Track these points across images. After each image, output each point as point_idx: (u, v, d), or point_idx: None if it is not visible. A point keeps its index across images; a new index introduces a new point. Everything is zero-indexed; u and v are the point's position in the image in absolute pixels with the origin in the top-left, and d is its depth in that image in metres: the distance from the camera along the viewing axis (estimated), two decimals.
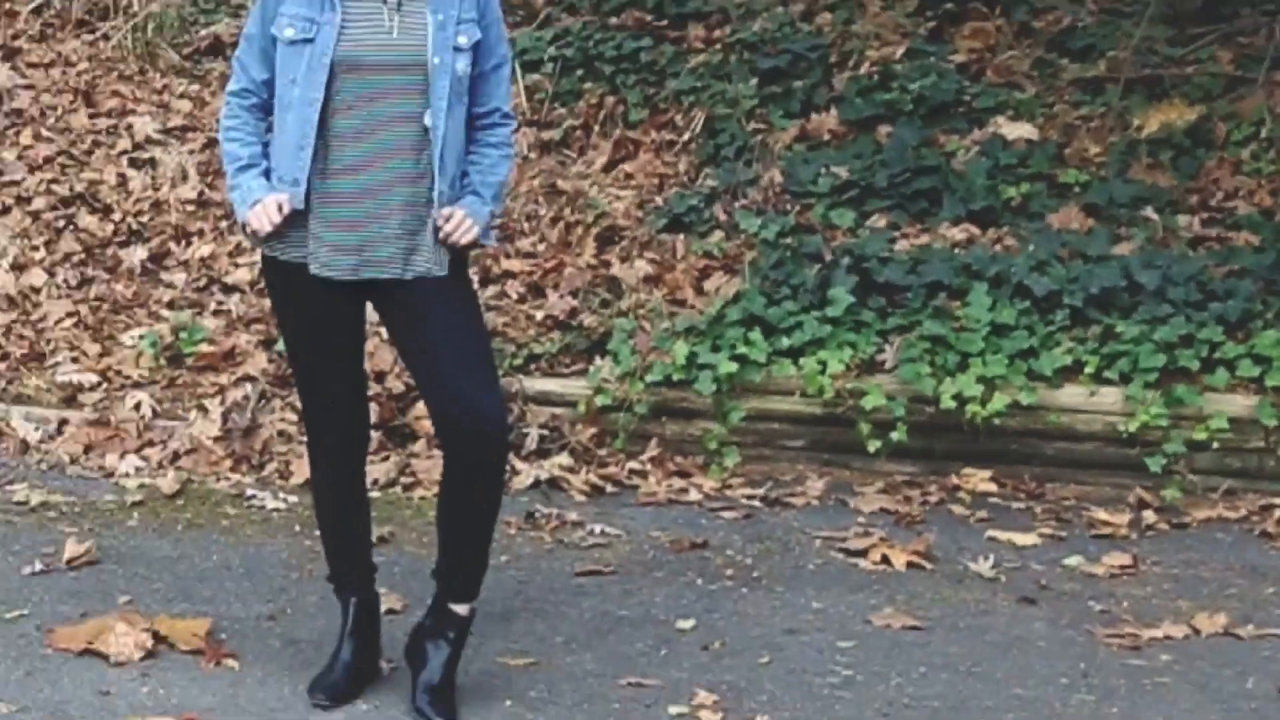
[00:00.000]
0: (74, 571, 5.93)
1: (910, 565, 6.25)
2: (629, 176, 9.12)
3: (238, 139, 4.73)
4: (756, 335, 7.34)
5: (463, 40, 4.62)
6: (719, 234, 8.28)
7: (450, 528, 4.81)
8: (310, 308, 4.74)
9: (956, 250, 7.91)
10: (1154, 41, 9.37)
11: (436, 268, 4.65)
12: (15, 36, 10.73)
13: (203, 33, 11.16)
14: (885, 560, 6.29)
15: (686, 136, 9.31)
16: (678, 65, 9.66)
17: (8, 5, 11.17)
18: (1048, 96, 9.17)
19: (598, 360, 7.50)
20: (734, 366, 7.22)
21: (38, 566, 5.92)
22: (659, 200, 8.76)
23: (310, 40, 4.53)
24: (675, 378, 7.27)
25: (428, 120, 4.57)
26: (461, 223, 4.60)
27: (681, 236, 8.33)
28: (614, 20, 10.02)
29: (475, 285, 5.20)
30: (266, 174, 4.66)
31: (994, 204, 8.30)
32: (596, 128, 9.56)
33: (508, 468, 5.69)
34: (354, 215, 4.59)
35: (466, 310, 4.79)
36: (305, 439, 5.13)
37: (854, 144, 8.82)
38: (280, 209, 4.53)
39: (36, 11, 11.15)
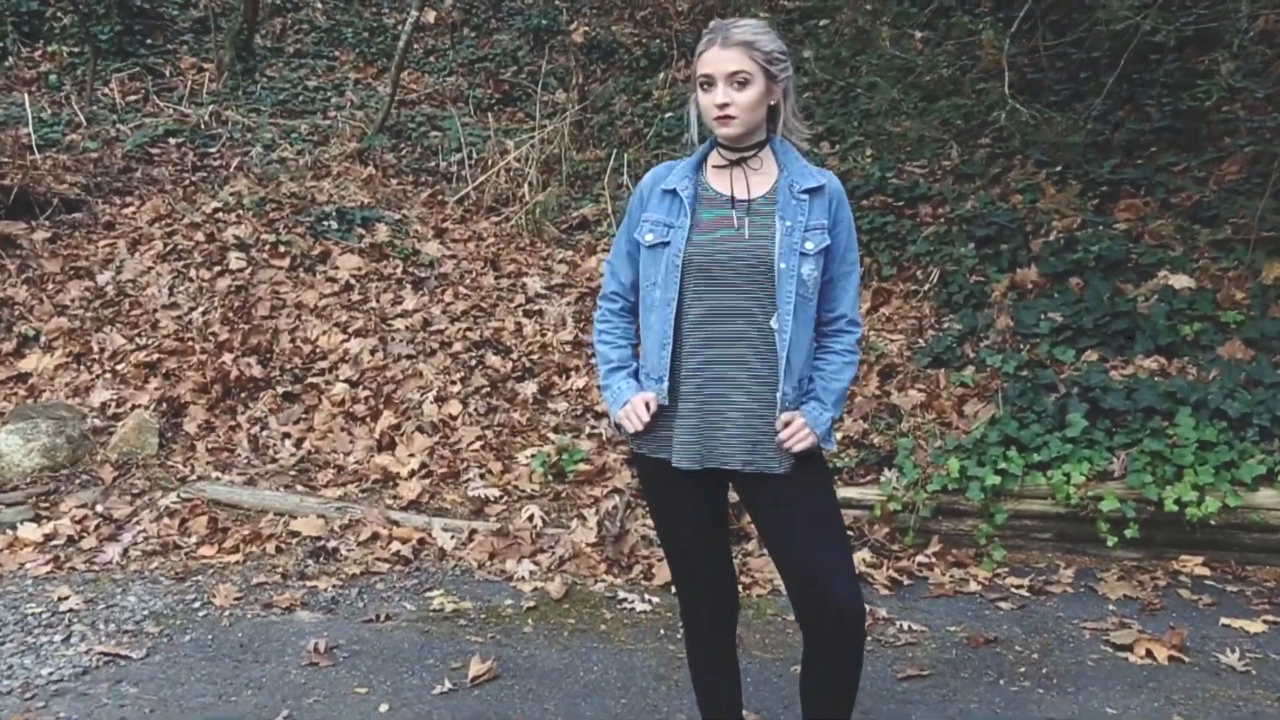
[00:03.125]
0: (477, 690, 4.29)
1: (1171, 659, 4.63)
2: (888, 319, 7.37)
3: (609, 342, 3.42)
4: (1013, 453, 5.76)
5: (810, 246, 3.16)
6: (970, 368, 6.52)
7: (811, 699, 3.29)
8: (675, 497, 3.31)
9: (1157, 378, 6.23)
10: (1269, 210, 7.62)
11: (778, 465, 3.16)
12: (444, 220, 9.33)
13: (574, 213, 9.88)
14: (1150, 654, 4.68)
15: (926, 287, 7.65)
16: (914, 234, 8.08)
17: (439, 198, 9.86)
18: (1192, 254, 7.53)
19: (886, 472, 5.88)
20: (997, 479, 5.64)
21: (447, 685, 4.29)
22: (921, 341, 7.01)
23: (667, 244, 3.21)
24: (950, 487, 5.68)
25: (774, 323, 3.15)
26: (798, 430, 3.12)
27: (942, 370, 6.61)
28: (865, 202, 8.38)
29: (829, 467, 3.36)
30: (636, 374, 3.34)
31: (1175, 340, 6.63)
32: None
33: None
34: (703, 410, 3.19)
35: (819, 497, 3.21)
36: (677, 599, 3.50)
37: (1061, 294, 7.07)
38: (648, 407, 3.22)
39: (459, 201, 9.83)
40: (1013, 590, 5.29)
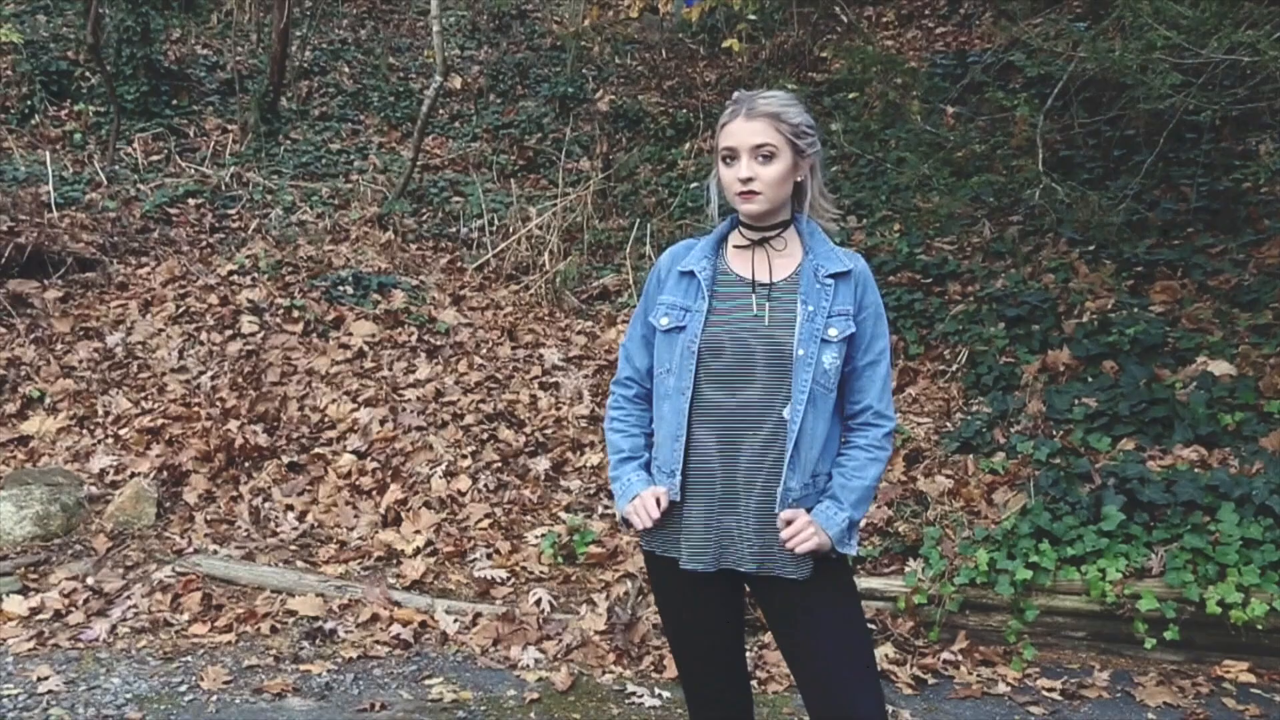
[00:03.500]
0: None
1: None
2: (915, 400, 7.11)
3: (620, 430, 3.16)
4: (1046, 546, 5.47)
5: (833, 333, 2.90)
6: (1000, 454, 6.22)
7: None
8: (685, 599, 3.04)
9: (1197, 470, 5.90)
10: None
11: (792, 570, 2.89)
12: (462, 287, 9.14)
13: (595, 283, 9.72)
14: None
15: (954, 367, 7.38)
16: (943, 313, 7.80)
17: (459, 265, 9.67)
18: (1232, 339, 7.19)
19: (911, 562, 5.58)
20: (1028, 574, 5.35)
21: None
22: (949, 425, 6.72)
23: (682, 329, 2.98)
24: (978, 580, 5.40)
25: (786, 413, 2.87)
26: (801, 530, 2.83)
27: (971, 456, 6.29)
28: (892, 279, 8.10)
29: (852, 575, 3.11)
30: (648, 465, 3.08)
31: (1215, 430, 6.29)
32: None
33: None
34: (716, 508, 2.92)
35: (840, 609, 2.93)
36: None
37: (1095, 379, 6.78)
38: (658, 503, 2.95)
39: (479, 269, 9.64)
40: (1044, 693, 4.98)
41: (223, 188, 10.38)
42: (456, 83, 13.59)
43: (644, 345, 3.10)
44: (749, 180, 2.89)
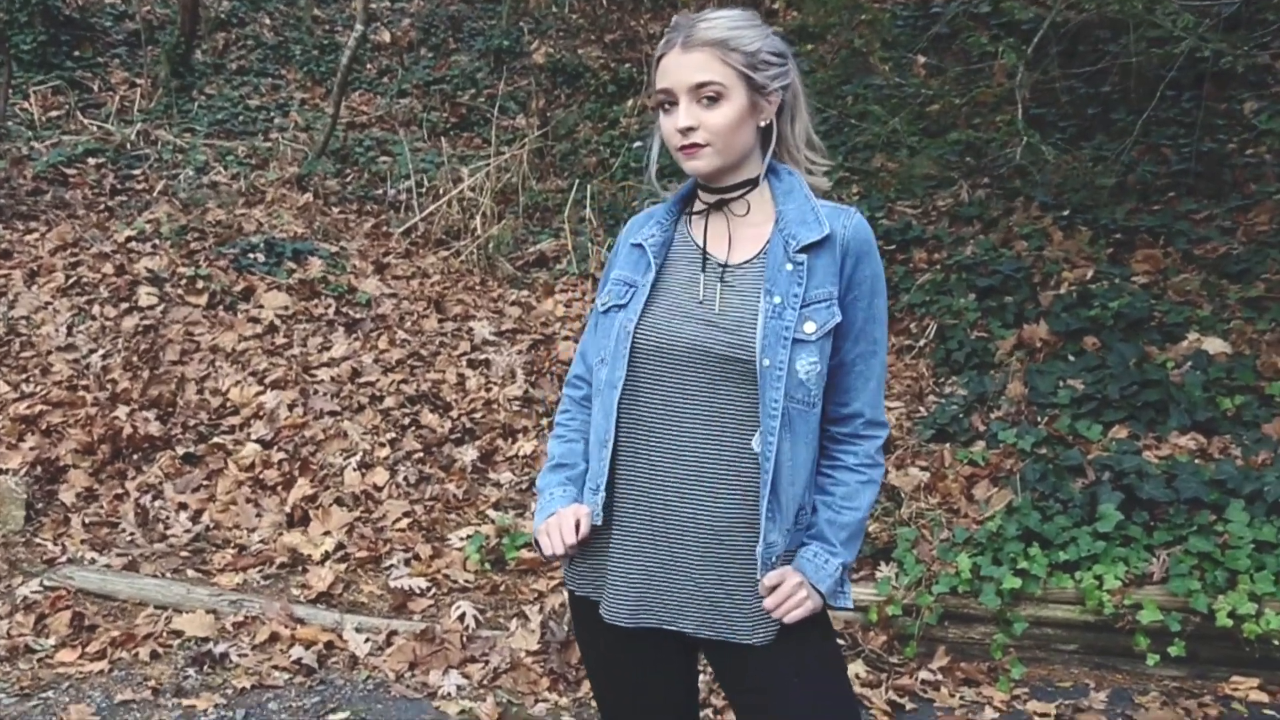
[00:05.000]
0: None
1: None
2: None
3: (560, 435, 2.48)
4: (1035, 550, 4.81)
5: (809, 329, 2.16)
6: (980, 443, 5.59)
7: None
8: (613, 654, 2.35)
9: (1198, 462, 5.28)
10: None
11: (751, 635, 2.20)
12: (386, 254, 8.38)
13: (531, 249, 8.97)
14: None
15: (922, 342, 6.75)
16: (908, 282, 7.22)
17: (385, 229, 8.91)
18: (1222, 314, 6.63)
19: (883, 567, 4.92)
20: (1017, 582, 4.69)
21: None
22: (921, 409, 6.09)
23: (622, 306, 2.30)
24: (960, 589, 4.74)
25: (754, 444, 2.16)
26: (791, 595, 2.15)
27: (947, 446, 5.64)
28: None
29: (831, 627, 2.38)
30: (582, 479, 2.35)
31: (1214, 414, 5.68)
32: None
33: None
34: (647, 547, 2.23)
35: (820, 677, 2.24)
36: None
37: (1078, 358, 6.18)
38: (577, 527, 2.25)
39: (406, 233, 8.88)
40: (1035, 716, 4.36)
41: (128, 146, 9.53)
42: (386, 36, 12.77)
43: (597, 335, 2.43)
44: (690, 130, 2.20)
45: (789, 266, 2.18)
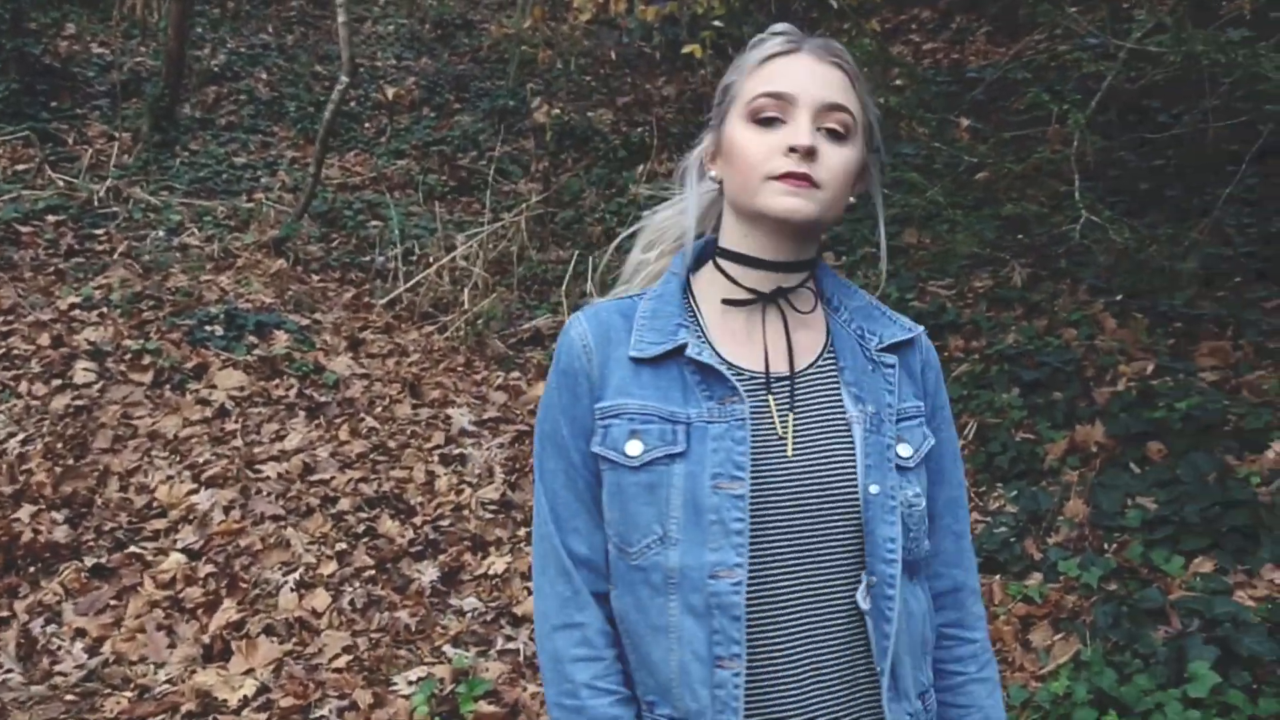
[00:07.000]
0: None
1: None
2: None
3: (608, 690, 1.65)
4: (1111, 718, 3.76)
5: (905, 452, 1.60)
6: (1036, 575, 4.62)
7: None
8: None
9: None
10: None
11: None
12: (364, 328, 7.47)
13: (526, 325, 8.04)
14: None
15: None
16: (944, 374, 6.13)
17: (366, 299, 8.04)
18: None
19: None
20: None
21: None
22: None
23: (682, 456, 1.58)
24: None
25: (861, 600, 1.53)
26: None
27: (997, 578, 4.66)
28: None
29: None
30: None
31: None
32: None
33: None
34: None
35: None
36: None
37: (1148, 471, 5.23)
38: None
39: (389, 305, 8.01)
40: None
41: (95, 203, 8.68)
42: (388, 93, 11.99)
43: (587, 503, 1.62)
44: (811, 153, 1.53)
45: (870, 368, 1.63)
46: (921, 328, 1.72)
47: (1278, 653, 3.95)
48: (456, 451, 5.90)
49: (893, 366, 1.62)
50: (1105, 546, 4.72)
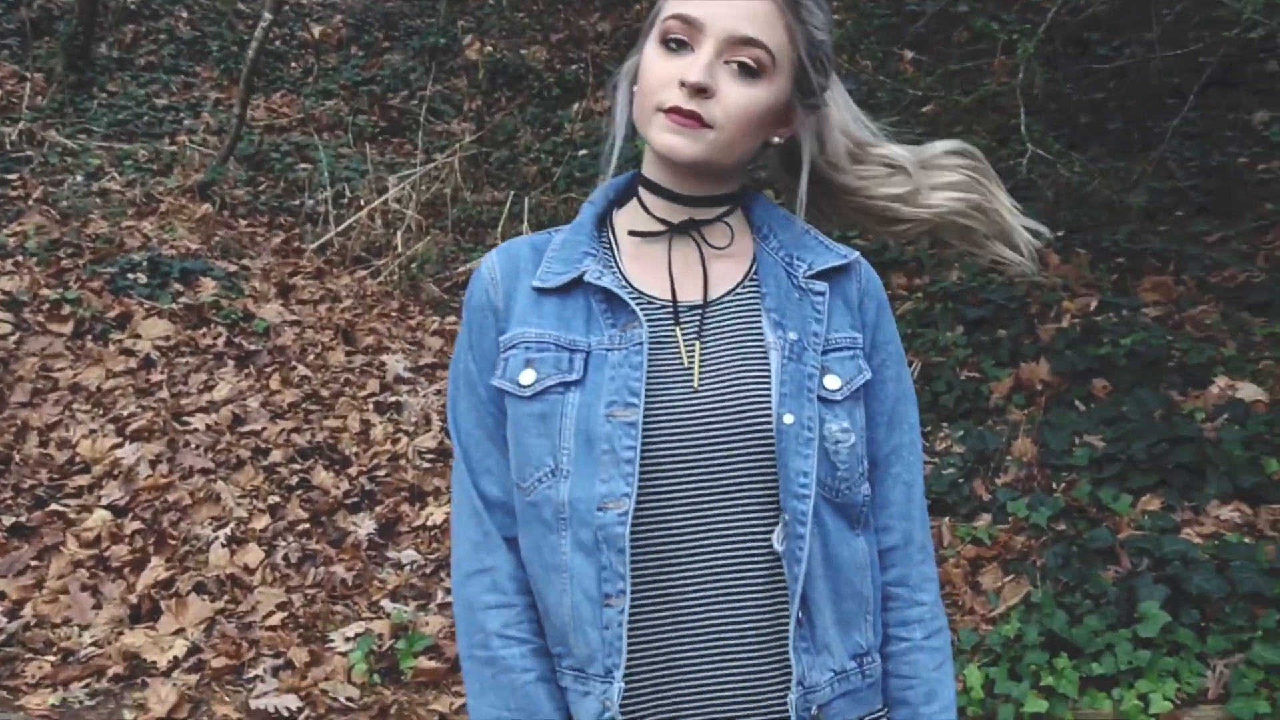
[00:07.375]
0: None
1: None
2: None
3: (518, 637, 1.53)
4: (1063, 661, 3.80)
5: (832, 384, 1.44)
6: (985, 516, 4.55)
7: None
8: None
9: (1248, 541, 4.20)
10: None
11: None
12: (294, 274, 7.25)
13: (460, 268, 7.83)
14: None
15: None
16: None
17: (296, 245, 7.79)
18: (1248, 352, 5.59)
19: None
20: (1043, 704, 3.67)
21: None
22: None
23: (575, 385, 1.46)
24: (971, 710, 3.70)
25: (776, 542, 1.39)
26: None
27: (946, 519, 4.58)
28: None
29: None
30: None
31: (1261, 480, 4.58)
32: None
33: None
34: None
35: None
36: None
37: (1093, 408, 5.19)
38: None
39: (320, 250, 7.76)
40: None
41: (8, 147, 8.34)
42: (316, 31, 11.64)
43: (499, 441, 1.51)
44: (701, 90, 1.41)
45: (796, 295, 1.50)
46: (857, 253, 1.57)
47: (1225, 590, 3.92)
48: (392, 399, 5.74)
49: (822, 294, 1.49)
50: (1054, 486, 4.66)
